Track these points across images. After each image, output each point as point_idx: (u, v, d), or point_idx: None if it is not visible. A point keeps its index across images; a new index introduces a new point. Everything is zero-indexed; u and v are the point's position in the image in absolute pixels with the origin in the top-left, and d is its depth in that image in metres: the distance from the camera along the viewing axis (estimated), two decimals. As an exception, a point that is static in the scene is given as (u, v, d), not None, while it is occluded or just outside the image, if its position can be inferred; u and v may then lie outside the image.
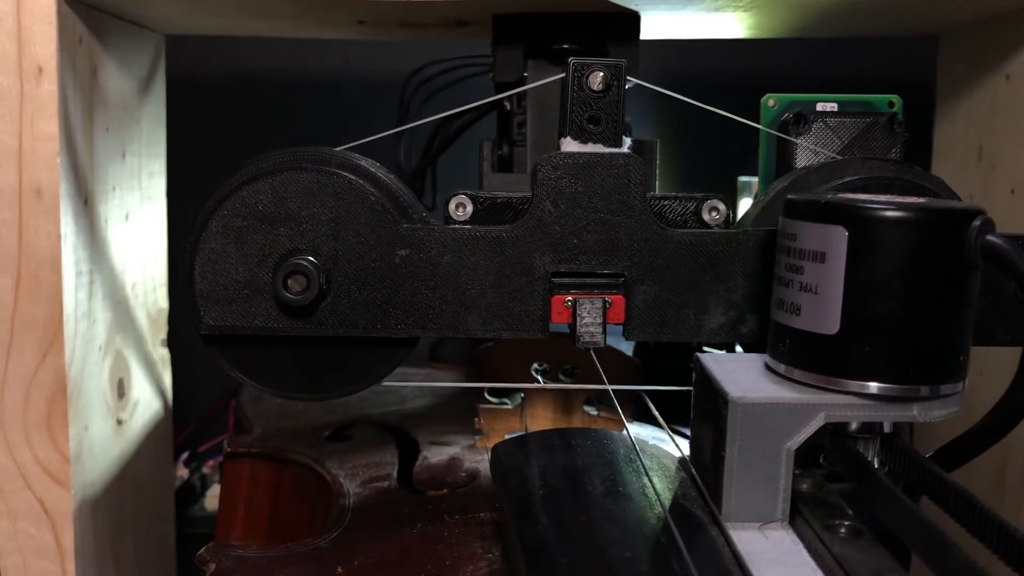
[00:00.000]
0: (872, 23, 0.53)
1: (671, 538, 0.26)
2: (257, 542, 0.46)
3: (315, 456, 0.45)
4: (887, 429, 0.31)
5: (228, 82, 0.73)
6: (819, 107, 0.39)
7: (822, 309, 0.29)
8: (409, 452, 0.46)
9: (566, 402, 0.45)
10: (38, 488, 0.42)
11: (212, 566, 0.31)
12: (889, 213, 0.28)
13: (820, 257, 0.29)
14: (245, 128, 0.71)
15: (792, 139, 0.38)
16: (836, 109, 0.39)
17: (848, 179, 0.34)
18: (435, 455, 0.44)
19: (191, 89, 0.70)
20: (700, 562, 0.25)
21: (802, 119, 0.38)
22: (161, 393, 0.55)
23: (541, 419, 0.45)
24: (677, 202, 0.36)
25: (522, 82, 0.45)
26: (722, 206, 0.35)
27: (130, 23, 0.48)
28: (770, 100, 0.39)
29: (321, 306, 0.34)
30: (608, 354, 0.45)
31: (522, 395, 0.45)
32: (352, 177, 0.34)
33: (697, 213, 0.36)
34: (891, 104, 0.39)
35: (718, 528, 0.29)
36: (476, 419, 0.44)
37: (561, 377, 0.45)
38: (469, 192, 0.36)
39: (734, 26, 0.51)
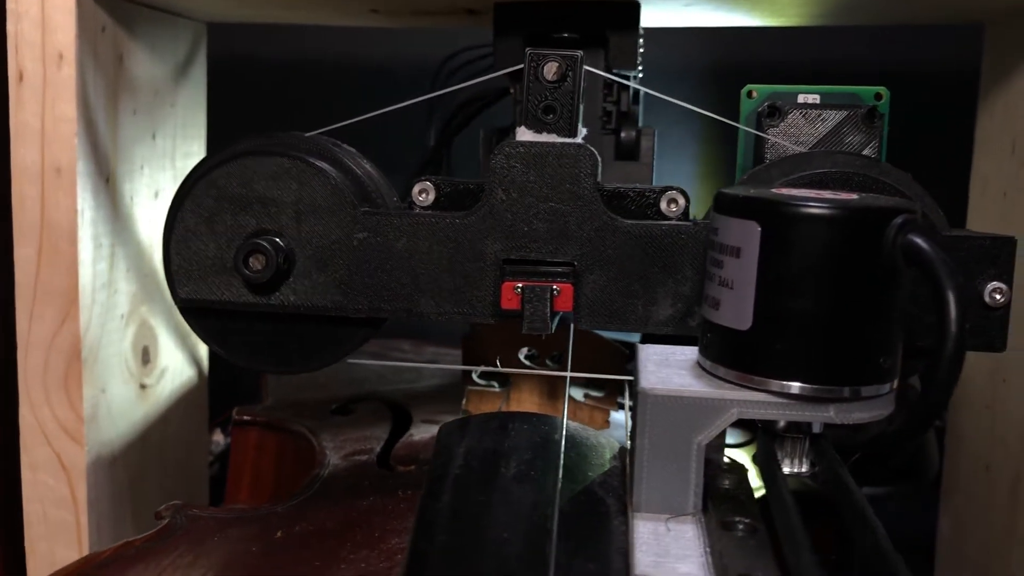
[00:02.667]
0: (912, 9, 0.50)
1: (553, 524, 0.26)
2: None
3: (313, 428, 0.47)
4: (816, 429, 0.30)
5: (276, 65, 0.76)
6: (800, 99, 0.38)
7: (737, 304, 0.28)
8: (401, 429, 0.47)
9: (552, 387, 0.46)
10: (56, 443, 0.45)
11: (164, 521, 0.34)
12: (801, 209, 0.27)
13: (736, 252, 0.28)
14: (290, 109, 0.74)
15: (760, 132, 0.37)
16: (818, 101, 0.38)
17: (805, 173, 0.34)
18: (421, 433, 0.46)
19: (240, 71, 0.73)
20: (574, 548, 0.26)
21: (776, 111, 0.37)
22: (195, 362, 0.58)
23: (528, 403, 0.46)
24: (637, 193, 0.36)
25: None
26: (681, 199, 0.35)
27: (163, 12, 0.51)
28: (751, 91, 0.39)
29: (284, 284, 0.36)
30: (594, 341, 0.46)
31: (510, 378, 0.46)
32: (315, 162, 0.35)
33: (656, 204, 0.36)
34: (878, 96, 0.38)
35: (624, 518, 0.29)
36: (463, 400, 0.45)
37: (548, 363, 0.45)
38: (432, 178, 0.37)
39: (752, 16, 0.50)
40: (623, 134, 0.48)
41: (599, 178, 0.35)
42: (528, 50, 0.35)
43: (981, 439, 0.52)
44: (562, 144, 0.34)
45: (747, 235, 0.28)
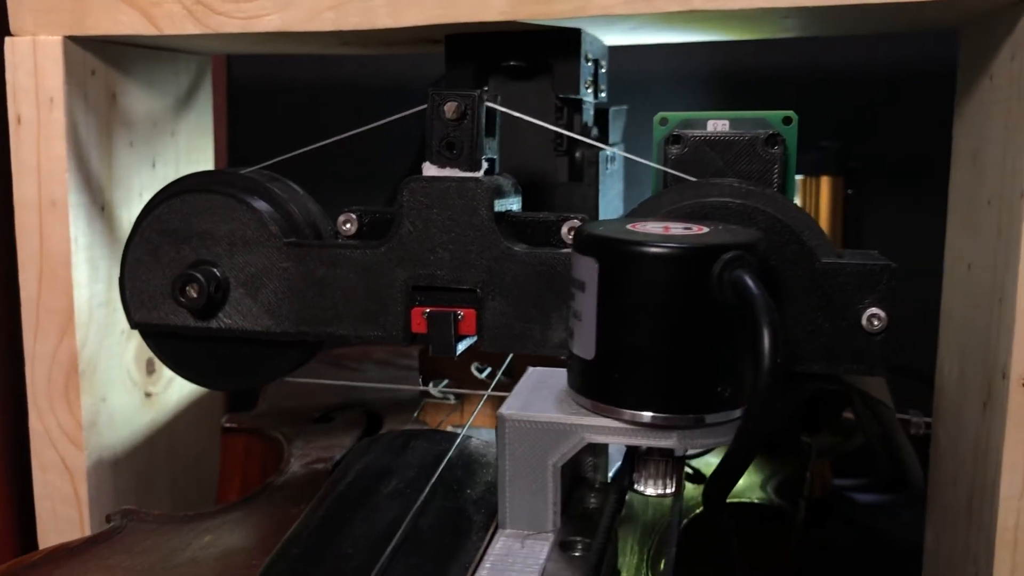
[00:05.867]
0: (883, 19, 0.50)
1: (393, 539, 0.29)
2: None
3: (289, 435, 0.51)
4: (679, 452, 0.32)
5: (290, 92, 0.80)
6: (710, 125, 0.39)
7: (584, 336, 0.30)
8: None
9: (503, 399, 0.48)
10: (60, 447, 0.50)
11: (112, 523, 0.38)
12: (630, 248, 0.29)
13: (582, 286, 0.30)
14: (303, 134, 0.78)
15: (662, 161, 0.38)
16: (727, 127, 0.39)
17: (686, 203, 0.35)
18: (380, 442, 0.49)
19: (262, 93, 0.78)
20: (419, 562, 0.28)
21: (678, 139, 0.38)
22: (207, 369, 0.63)
23: (480, 414, 0.48)
24: (540, 222, 0.38)
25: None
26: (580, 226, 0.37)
27: (159, 50, 0.55)
28: (663, 119, 0.40)
29: (221, 310, 0.39)
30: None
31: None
32: (245, 198, 0.39)
33: (558, 232, 0.37)
34: (787, 120, 0.39)
35: (484, 534, 0.31)
36: (417, 412, 0.48)
37: (501, 377, 0.48)
38: (356, 209, 0.40)
39: (708, 32, 0.51)
40: (577, 155, 0.49)
41: (496, 209, 0.37)
42: (429, 90, 0.37)
43: (950, 452, 0.51)
44: (461, 178, 0.37)
45: (589, 271, 0.30)
